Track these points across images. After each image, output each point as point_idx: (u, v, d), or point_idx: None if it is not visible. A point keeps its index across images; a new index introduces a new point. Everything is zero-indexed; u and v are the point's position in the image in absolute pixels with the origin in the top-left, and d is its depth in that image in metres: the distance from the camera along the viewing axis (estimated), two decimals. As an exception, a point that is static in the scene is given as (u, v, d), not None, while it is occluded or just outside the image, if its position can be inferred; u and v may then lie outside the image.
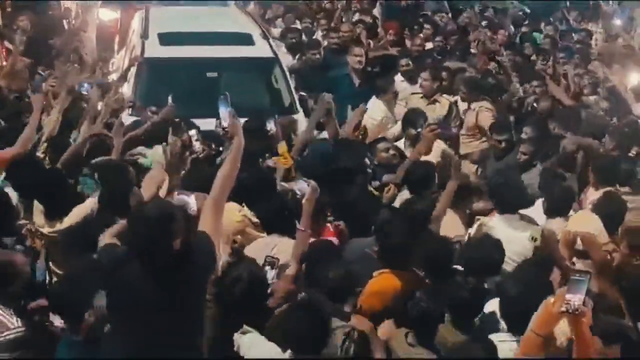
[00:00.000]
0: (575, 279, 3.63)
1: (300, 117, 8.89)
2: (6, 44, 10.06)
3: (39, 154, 6.98)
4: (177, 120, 7.41)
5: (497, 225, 6.02)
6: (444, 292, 4.84)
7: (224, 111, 4.85)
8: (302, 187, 5.49)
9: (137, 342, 4.00)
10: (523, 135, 7.96)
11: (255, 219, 5.86)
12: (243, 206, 5.84)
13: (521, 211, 6.22)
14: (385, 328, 4.79)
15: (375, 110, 8.96)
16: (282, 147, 7.23)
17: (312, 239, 5.34)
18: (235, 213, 5.68)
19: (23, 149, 6.70)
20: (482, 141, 8.69)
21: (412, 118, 7.98)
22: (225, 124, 4.85)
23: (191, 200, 5.18)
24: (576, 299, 3.56)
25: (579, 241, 5.55)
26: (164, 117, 7.58)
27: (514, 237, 5.86)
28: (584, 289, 3.59)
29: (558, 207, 6.23)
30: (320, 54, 10.93)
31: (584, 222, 5.87)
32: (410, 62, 10.42)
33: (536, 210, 6.40)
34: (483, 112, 8.83)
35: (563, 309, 3.55)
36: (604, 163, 7.05)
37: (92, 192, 6.16)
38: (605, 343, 4.19)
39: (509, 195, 6.24)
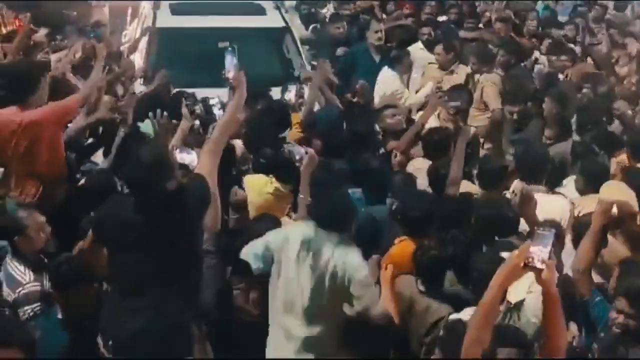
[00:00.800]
0: (540, 233, 3.59)
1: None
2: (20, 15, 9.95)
3: None
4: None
5: None
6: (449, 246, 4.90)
7: (229, 63, 4.84)
8: (299, 152, 5.44)
9: (131, 277, 4.18)
10: (545, 114, 7.65)
11: (284, 191, 5.77)
12: (272, 179, 5.77)
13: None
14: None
15: (386, 82, 8.89)
16: (295, 117, 7.18)
17: None
18: (268, 184, 5.68)
19: (89, 96, 6.41)
20: (489, 116, 8.54)
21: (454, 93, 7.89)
22: (229, 75, 4.86)
23: (193, 157, 5.22)
24: (540, 252, 3.51)
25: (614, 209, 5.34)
26: (158, 83, 7.56)
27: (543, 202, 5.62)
28: (549, 243, 3.53)
29: (592, 184, 5.91)
30: (344, 27, 10.74)
31: (617, 190, 5.65)
32: (432, 31, 10.32)
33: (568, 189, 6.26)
34: (488, 87, 8.66)
35: (527, 261, 3.50)
36: (637, 137, 6.90)
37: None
38: (631, 303, 4.12)
39: (533, 164, 6.10)
